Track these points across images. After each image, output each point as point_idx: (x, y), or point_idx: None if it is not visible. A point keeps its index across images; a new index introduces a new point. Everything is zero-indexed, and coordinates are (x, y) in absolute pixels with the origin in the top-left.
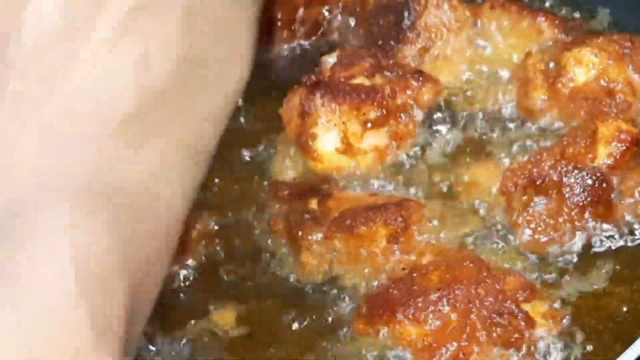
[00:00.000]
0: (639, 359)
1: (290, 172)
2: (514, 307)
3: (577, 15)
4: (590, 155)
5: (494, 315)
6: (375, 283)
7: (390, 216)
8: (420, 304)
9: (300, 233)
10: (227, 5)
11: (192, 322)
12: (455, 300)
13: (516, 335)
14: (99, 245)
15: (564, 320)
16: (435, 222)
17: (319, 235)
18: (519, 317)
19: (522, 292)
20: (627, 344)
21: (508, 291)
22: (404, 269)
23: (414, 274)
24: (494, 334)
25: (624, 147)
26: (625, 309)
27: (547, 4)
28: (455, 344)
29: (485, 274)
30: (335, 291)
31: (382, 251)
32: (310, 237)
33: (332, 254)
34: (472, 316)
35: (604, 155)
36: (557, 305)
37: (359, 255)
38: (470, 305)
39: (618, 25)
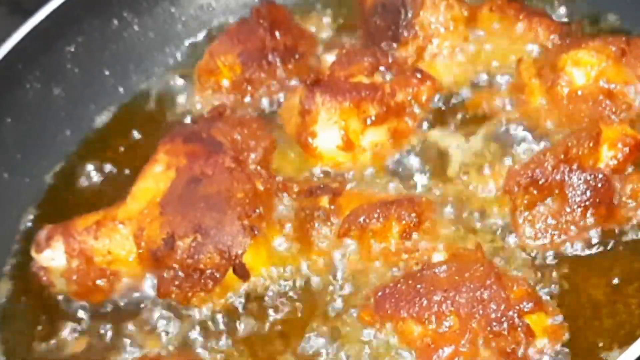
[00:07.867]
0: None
1: (291, 169)
2: (515, 317)
3: (579, 17)
4: (593, 157)
5: (495, 324)
6: (386, 277)
7: (404, 212)
8: (425, 304)
9: (311, 230)
10: None
11: None
12: (459, 303)
13: (514, 347)
14: None
15: (564, 335)
16: (445, 220)
17: (331, 232)
18: (519, 329)
19: (527, 302)
20: (626, 344)
21: (513, 300)
22: (417, 263)
23: (424, 272)
24: (492, 343)
25: (628, 151)
26: (624, 308)
27: (550, 8)
28: (453, 347)
29: (493, 279)
30: (345, 284)
31: (394, 247)
32: (321, 234)
33: (344, 250)
34: (473, 322)
35: (607, 158)
36: (559, 320)
37: (371, 251)
38: (474, 310)
39: (623, 28)
